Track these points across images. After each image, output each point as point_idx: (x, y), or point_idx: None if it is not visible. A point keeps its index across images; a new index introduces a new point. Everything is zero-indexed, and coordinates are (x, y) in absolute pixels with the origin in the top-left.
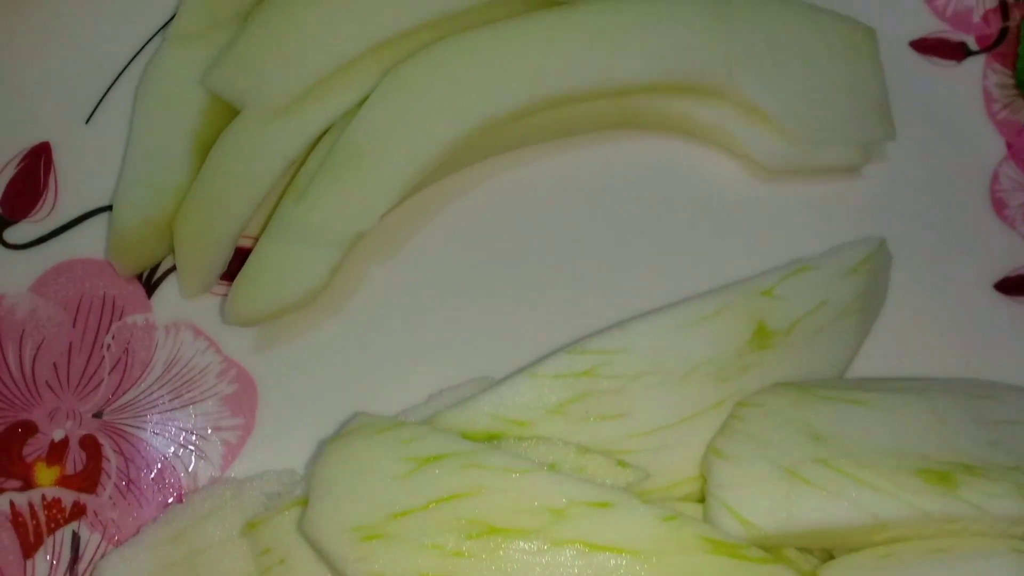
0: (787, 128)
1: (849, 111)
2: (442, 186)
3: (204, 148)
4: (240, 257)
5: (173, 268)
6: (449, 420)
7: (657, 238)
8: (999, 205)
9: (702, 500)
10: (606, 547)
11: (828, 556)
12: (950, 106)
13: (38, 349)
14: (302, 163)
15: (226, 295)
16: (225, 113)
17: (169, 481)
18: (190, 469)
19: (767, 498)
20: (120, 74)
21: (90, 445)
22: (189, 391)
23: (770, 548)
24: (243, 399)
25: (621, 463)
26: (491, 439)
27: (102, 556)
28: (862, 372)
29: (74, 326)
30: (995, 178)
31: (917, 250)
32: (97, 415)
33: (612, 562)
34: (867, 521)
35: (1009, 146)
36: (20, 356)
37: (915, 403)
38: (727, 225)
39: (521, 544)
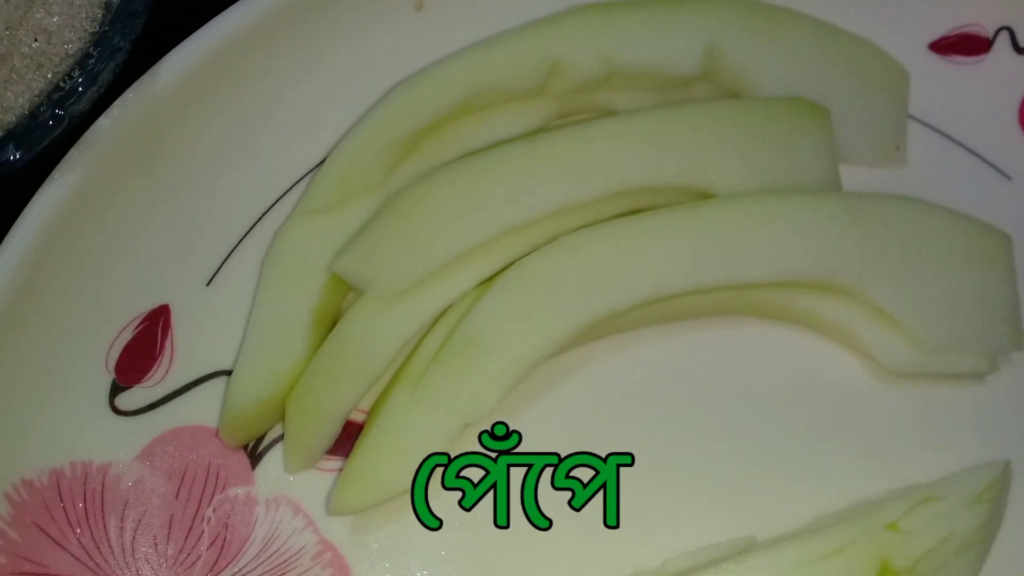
0: (915, 334)
1: (979, 319)
2: (547, 367)
3: (322, 324)
4: (346, 430)
5: (279, 438)
6: None
7: (770, 438)
8: None
9: None
10: None
11: None
12: None
13: (139, 522)
14: (418, 343)
15: (330, 470)
16: (344, 290)
17: None
18: None
19: None
20: (243, 238)
21: None
22: (284, 573)
23: None
24: None
25: None
26: None
27: None
28: None
29: (176, 498)
30: None
31: None
32: None
33: None
34: None
35: None
36: (122, 529)
37: None
38: (844, 427)
39: None
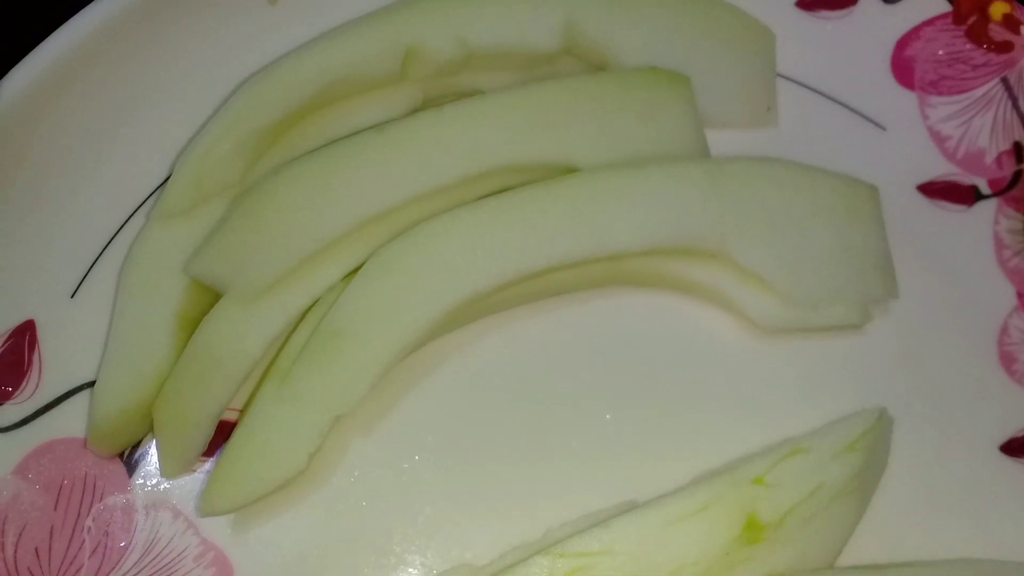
0: (784, 291)
1: (849, 271)
2: (425, 352)
3: (187, 328)
4: (222, 431)
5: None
6: None
7: (650, 403)
8: (1007, 359)
9: None
10: None
11: None
12: (958, 254)
13: (20, 535)
14: (286, 340)
15: (207, 471)
16: (208, 292)
17: None
18: None
19: None
20: (106, 247)
21: None
22: (169, 574)
23: None
24: None
25: None
26: None
27: None
28: (859, 544)
29: (55, 509)
30: (1004, 330)
31: (920, 411)
32: None
33: None
34: None
35: (1020, 296)
36: (2, 543)
37: None
38: (721, 389)
39: None
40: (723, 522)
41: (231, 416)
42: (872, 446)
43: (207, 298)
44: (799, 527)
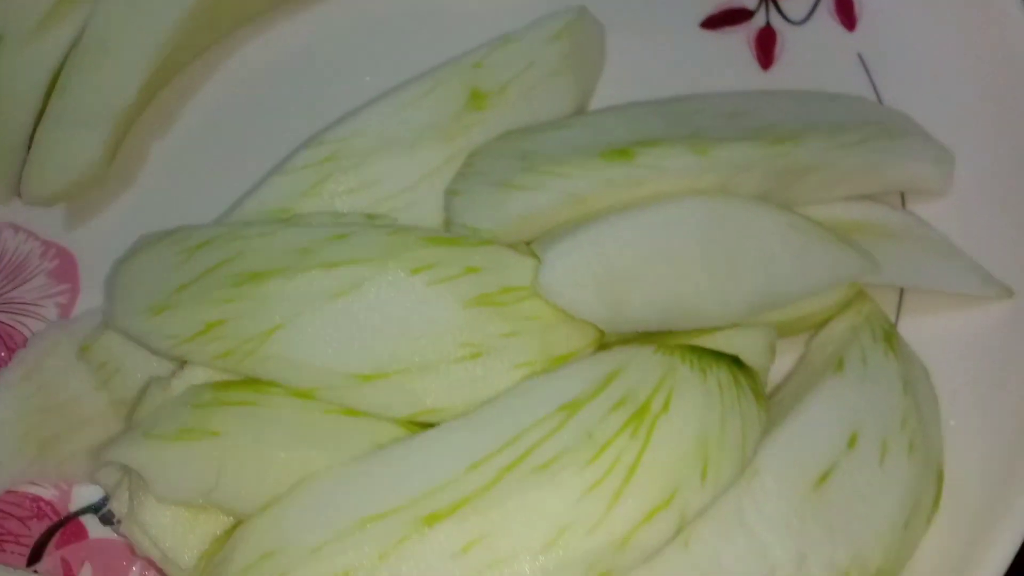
0: None
1: None
2: (203, 62)
3: None
4: None
5: None
6: None
7: (399, 64)
8: None
9: None
10: (344, 262)
11: None
12: None
13: None
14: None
15: None
16: None
17: (20, 344)
18: (35, 330)
19: (488, 206)
20: None
21: None
22: (20, 274)
23: None
24: (66, 268)
25: (371, 216)
26: None
27: None
28: None
29: None
30: None
31: (626, 11)
32: None
33: (349, 274)
34: (563, 200)
35: None
36: None
37: (612, 116)
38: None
39: (276, 279)
40: (449, 96)
41: None
42: (576, 35)
43: None
44: (521, 96)
